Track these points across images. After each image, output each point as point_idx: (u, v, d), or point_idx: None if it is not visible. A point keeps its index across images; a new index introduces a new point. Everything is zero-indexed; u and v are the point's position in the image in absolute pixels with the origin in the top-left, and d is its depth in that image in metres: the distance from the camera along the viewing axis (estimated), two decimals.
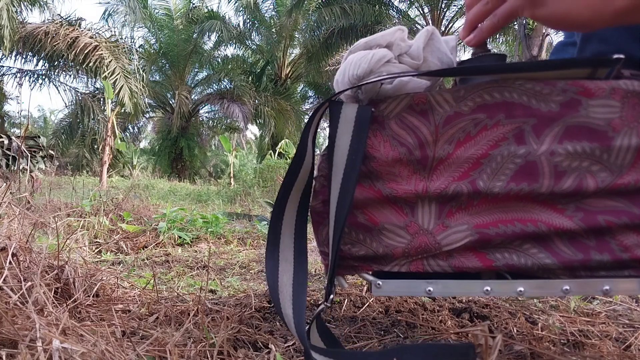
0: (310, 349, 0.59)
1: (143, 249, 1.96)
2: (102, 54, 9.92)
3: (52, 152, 11.43)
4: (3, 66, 11.79)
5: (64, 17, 10.59)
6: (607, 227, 0.57)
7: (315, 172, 0.67)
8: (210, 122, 17.41)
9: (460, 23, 10.33)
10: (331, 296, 0.63)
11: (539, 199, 0.59)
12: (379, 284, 0.64)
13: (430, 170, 0.62)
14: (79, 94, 12.35)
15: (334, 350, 0.62)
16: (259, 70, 15.07)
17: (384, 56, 0.63)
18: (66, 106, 13.67)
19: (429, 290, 0.62)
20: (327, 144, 0.65)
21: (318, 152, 0.69)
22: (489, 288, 0.61)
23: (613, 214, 0.57)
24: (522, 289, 0.60)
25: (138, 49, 14.04)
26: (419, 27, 11.34)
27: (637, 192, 0.56)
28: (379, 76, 0.62)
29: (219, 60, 15.84)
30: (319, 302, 1.00)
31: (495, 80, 0.60)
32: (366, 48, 0.67)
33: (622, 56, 0.55)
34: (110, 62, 9.95)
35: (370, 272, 0.67)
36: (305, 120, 0.78)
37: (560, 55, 0.92)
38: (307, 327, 0.64)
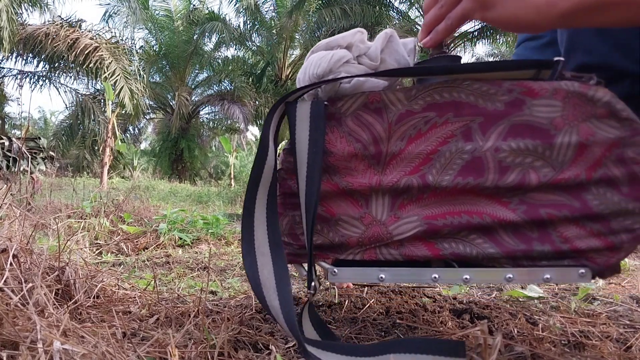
0: (303, 341, 0.59)
1: (143, 250, 1.96)
2: (102, 55, 9.93)
3: (52, 154, 11.45)
4: (4, 68, 11.80)
5: (65, 19, 10.59)
6: (548, 219, 0.61)
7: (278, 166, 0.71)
8: (211, 123, 17.42)
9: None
10: (313, 283, 0.66)
11: (484, 193, 0.63)
12: (334, 272, 0.68)
13: (384, 165, 0.66)
14: (79, 95, 12.36)
15: (327, 342, 0.63)
16: (259, 72, 15.08)
17: (343, 57, 0.67)
18: (67, 107, 13.70)
19: (381, 277, 0.66)
20: (288, 141, 0.69)
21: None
22: (436, 275, 0.65)
23: (554, 207, 0.61)
24: (467, 276, 0.64)
25: (138, 50, 14.05)
26: (419, 27, 11.35)
27: (577, 186, 0.60)
28: (337, 76, 0.66)
29: (220, 61, 15.84)
30: (319, 303, 1.00)
31: (445, 81, 0.64)
32: (327, 48, 0.71)
33: (562, 59, 0.60)
34: (110, 63, 9.95)
35: (327, 261, 0.71)
36: None
37: (521, 52, 0.94)
38: (298, 317, 0.65)
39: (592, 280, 0.65)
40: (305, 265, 0.69)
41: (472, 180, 0.62)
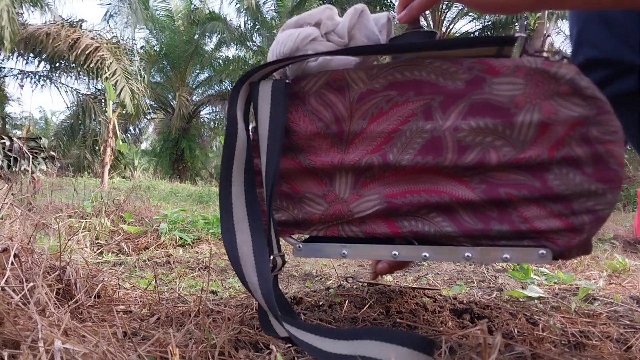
0: (280, 318, 0.60)
1: (144, 250, 1.97)
2: (103, 55, 9.94)
3: (53, 154, 11.46)
4: (5, 67, 11.81)
5: (66, 19, 10.59)
6: (507, 199, 0.60)
7: None
8: (212, 123, 17.45)
9: (461, 24, 10.32)
10: (271, 257, 0.67)
11: (444, 172, 0.63)
12: (299, 247, 0.71)
13: (347, 144, 0.67)
14: (80, 95, 12.37)
15: (303, 322, 0.63)
16: None
17: (309, 35, 0.68)
18: (67, 107, 13.74)
19: (344, 253, 0.68)
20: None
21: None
22: (396, 252, 0.66)
23: (514, 187, 0.60)
24: (426, 254, 0.65)
25: (139, 50, 14.05)
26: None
27: (539, 166, 0.59)
28: (304, 54, 0.67)
29: (220, 61, 15.85)
30: (320, 303, 1.00)
31: (407, 59, 0.64)
32: (296, 26, 0.71)
33: (524, 35, 0.59)
34: (111, 63, 9.96)
35: (293, 237, 0.73)
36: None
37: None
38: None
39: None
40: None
41: (431, 159, 0.62)
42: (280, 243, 0.74)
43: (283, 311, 0.70)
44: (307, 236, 0.77)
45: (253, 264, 0.65)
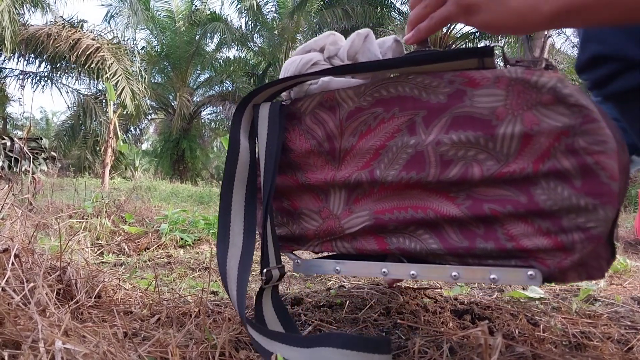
0: (247, 325, 0.64)
1: (145, 251, 1.97)
2: (104, 55, 9.94)
3: (54, 154, 11.48)
4: (6, 68, 11.82)
5: (67, 19, 10.60)
6: (492, 215, 0.58)
7: None
8: (212, 123, 17.45)
9: (461, 25, 10.32)
10: (265, 270, 0.69)
11: (429, 187, 0.62)
12: (298, 262, 0.73)
13: (340, 161, 0.69)
14: (81, 96, 12.37)
15: (267, 329, 0.66)
16: (260, 72, 15.08)
17: (310, 60, 0.72)
18: (68, 108, 13.70)
19: (337, 269, 0.69)
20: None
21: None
22: (386, 270, 0.66)
23: (498, 203, 0.57)
24: (414, 272, 0.64)
25: (140, 51, 14.05)
26: None
27: (524, 180, 0.56)
28: (288, 77, 0.72)
29: (221, 62, 15.85)
30: (320, 304, 1.00)
31: (392, 76, 0.65)
32: (303, 52, 0.76)
33: (498, 44, 0.60)
34: (112, 63, 9.96)
35: (292, 251, 0.76)
36: None
37: None
38: (257, 303, 0.71)
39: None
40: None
41: (414, 174, 0.61)
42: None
43: (282, 319, 0.72)
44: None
45: (235, 278, 0.67)
